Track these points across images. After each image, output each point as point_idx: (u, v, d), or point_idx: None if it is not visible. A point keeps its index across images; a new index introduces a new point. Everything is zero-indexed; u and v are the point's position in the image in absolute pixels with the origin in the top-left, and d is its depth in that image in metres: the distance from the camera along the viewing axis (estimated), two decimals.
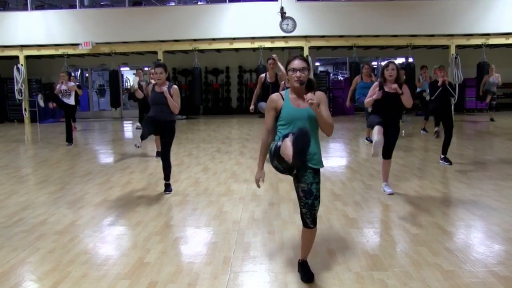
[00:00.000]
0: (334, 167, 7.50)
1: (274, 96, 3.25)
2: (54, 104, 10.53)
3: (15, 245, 3.99)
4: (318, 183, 3.13)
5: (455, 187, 5.85)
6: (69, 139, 10.17)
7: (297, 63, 3.12)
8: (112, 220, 4.77)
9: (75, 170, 7.46)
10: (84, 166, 7.77)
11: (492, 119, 13.28)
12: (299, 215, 4.65)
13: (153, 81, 5.97)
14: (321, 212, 4.78)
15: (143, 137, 5.47)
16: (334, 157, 8.61)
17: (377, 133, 5.15)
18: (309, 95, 2.99)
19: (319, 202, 3.15)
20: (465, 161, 7.41)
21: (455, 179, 6.28)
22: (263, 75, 7.93)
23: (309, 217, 3.13)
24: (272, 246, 3.88)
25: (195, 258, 3.67)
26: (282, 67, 7.85)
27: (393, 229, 4.34)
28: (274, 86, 7.77)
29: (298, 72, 3.10)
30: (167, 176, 5.82)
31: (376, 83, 5.39)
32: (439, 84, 7.04)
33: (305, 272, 3.25)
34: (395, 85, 5.14)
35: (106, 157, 9.13)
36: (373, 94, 5.31)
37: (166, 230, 4.37)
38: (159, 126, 5.63)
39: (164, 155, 5.72)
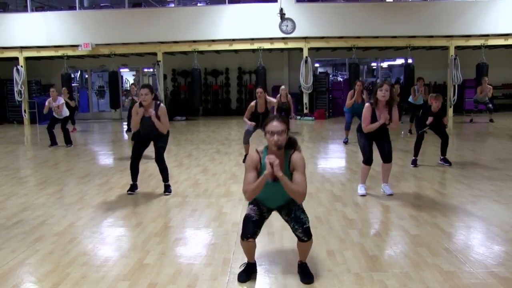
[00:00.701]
0: (333, 168, 7.50)
1: (254, 156, 3.13)
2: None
3: (14, 246, 3.99)
4: (299, 209, 3.19)
5: (454, 188, 5.85)
6: (68, 142, 10.16)
7: (275, 126, 2.99)
8: (111, 221, 4.76)
9: (74, 171, 7.46)
10: (83, 167, 7.76)
11: (491, 120, 13.32)
12: None
13: (136, 98, 5.92)
14: (320, 213, 4.80)
15: (135, 161, 5.74)
16: (333, 158, 8.62)
17: (360, 189, 5.52)
18: (271, 157, 2.89)
19: (307, 217, 3.16)
20: (464, 162, 7.41)
21: (454, 180, 6.28)
22: (253, 103, 7.73)
23: (302, 233, 3.11)
24: (271, 248, 3.88)
25: (194, 259, 3.67)
26: (270, 99, 7.80)
27: (393, 230, 4.34)
28: (264, 116, 7.64)
29: (275, 135, 2.98)
30: (165, 178, 5.83)
31: (368, 105, 5.29)
32: (433, 109, 7.00)
33: (304, 274, 3.25)
34: (386, 117, 5.14)
35: (106, 158, 9.13)
36: (368, 119, 5.23)
37: (166, 231, 4.37)
38: (151, 137, 5.67)
39: (158, 159, 5.74)
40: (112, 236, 4.31)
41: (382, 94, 5.13)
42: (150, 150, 7.24)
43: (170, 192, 5.77)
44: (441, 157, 7.23)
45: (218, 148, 9.50)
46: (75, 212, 5.06)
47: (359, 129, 5.46)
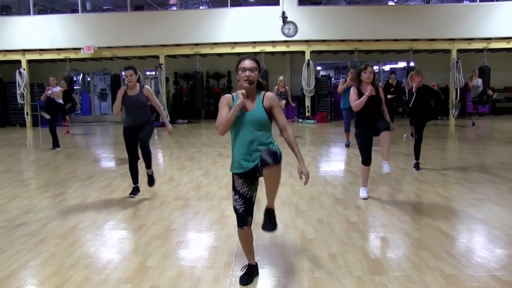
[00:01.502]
0: (335, 171, 7.50)
1: (227, 96, 3.19)
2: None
3: (17, 249, 4.00)
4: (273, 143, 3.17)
5: (456, 191, 5.84)
6: (56, 144, 10.22)
7: (247, 63, 3.07)
8: (113, 224, 4.77)
9: (76, 174, 7.47)
10: (85, 170, 7.78)
11: (473, 123, 13.34)
12: (300, 219, 4.68)
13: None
14: (322, 216, 4.80)
15: (134, 162, 5.76)
16: (335, 161, 8.61)
17: (362, 192, 5.52)
18: (242, 91, 3.01)
19: (278, 147, 3.07)
20: (466, 165, 7.40)
21: (456, 183, 6.28)
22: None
23: (266, 154, 2.86)
24: (273, 251, 3.88)
25: (196, 262, 3.67)
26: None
27: (395, 233, 4.33)
28: None
29: (247, 71, 3.05)
30: (148, 164, 5.73)
31: (353, 88, 5.41)
32: (413, 90, 7.02)
33: (269, 219, 3.14)
34: (372, 89, 5.21)
35: (108, 161, 9.14)
36: (355, 98, 5.33)
37: (168, 234, 4.37)
38: (140, 128, 5.60)
39: (143, 141, 5.57)
40: (114, 238, 4.32)
41: (367, 76, 5.29)
42: (152, 153, 7.24)
43: (153, 182, 5.78)
44: (415, 162, 7.15)
45: (220, 151, 9.51)
46: (77, 214, 5.07)
47: (357, 125, 5.46)
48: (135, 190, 5.85)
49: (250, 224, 3.19)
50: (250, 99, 3.10)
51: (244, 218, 3.16)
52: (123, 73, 5.66)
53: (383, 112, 5.41)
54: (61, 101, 10.67)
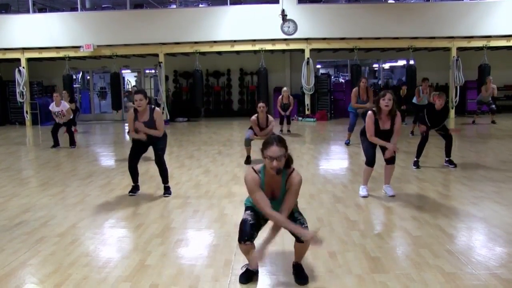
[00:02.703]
0: (335, 170, 7.49)
1: (254, 176, 3.12)
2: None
3: (16, 248, 3.99)
4: (296, 211, 3.22)
5: (456, 189, 5.84)
6: (72, 143, 10.19)
7: (273, 151, 2.96)
8: (113, 222, 4.77)
9: (76, 172, 7.46)
10: (85, 168, 7.77)
11: (493, 121, 13.30)
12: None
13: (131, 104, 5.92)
14: (322, 214, 4.79)
15: (133, 163, 5.73)
16: (335, 160, 8.61)
17: (362, 191, 5.54)
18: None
19: (304, 219, 3.19)
20: (466, 163, 7.40)
21: (456, 181, 6.27)
22: (254, 117, 7.79)
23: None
24: (273, 249, 3.87)
25: (196, 261, 3.67)
26: (271, 118, 7.83)
27: (394, 231, 4.33)
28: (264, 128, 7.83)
29: (275, 161, 2.97)
30: (165, 180, 5.83)
31: (370, 114, 5.28)
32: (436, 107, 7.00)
33: (299, 275, 3.25)
34: (392, 149, 5.24)
35: (108, 160, 9.14)
36: (372, 128, 5.26)
37: (167, 233, 4.37)
38: (149, 143, 5.66)
39: (158, 161, 5.73)
40: (113, 237, 4.32)
41: (385, 103, 5.12)
42: (151, 151, 7.24)
43: (169, 193, 5.77)
44: (446, 159, 7.20)
45: (220, 149, 9.50)
46: (77, 213, 5.06)
47: (363, 133, 5.46)
48: (135, 189, 5.85)
49: (253, 240, 3.15)
50: (276, 185, 3.13)
51: (251, 232, 3.12)
52: (134, 97, 5.56)
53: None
54: (71, 115, 10.30)
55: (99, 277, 3.38)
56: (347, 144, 9.64)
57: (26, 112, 16.05)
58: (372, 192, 5.64)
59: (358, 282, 3.22)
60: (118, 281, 3.30)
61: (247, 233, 3.10)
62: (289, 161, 3.13)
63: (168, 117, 15.77)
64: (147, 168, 7.39)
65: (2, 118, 16.67)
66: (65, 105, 10.11)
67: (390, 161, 5.43)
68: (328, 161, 8.39)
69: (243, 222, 3.16)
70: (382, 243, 4.02)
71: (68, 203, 5.49)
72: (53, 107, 10.10)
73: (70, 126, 10.33)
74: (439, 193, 5.62)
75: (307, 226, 3.14)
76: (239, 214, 4.86)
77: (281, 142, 3.02)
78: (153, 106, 5.63)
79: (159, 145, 5.69)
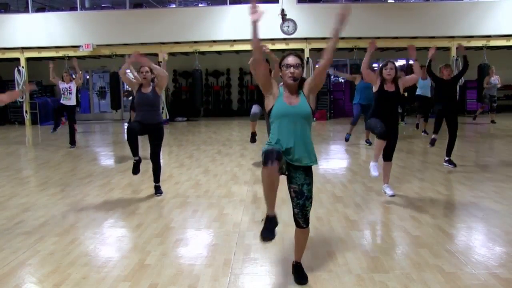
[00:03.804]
0: (335, 169, 7.49)
1: (275, 82, 3.20)
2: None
3: (16, 247, 3.99)
4: (309, 183, 3.09)
5: (456, 189, 5.84)
6: (72, 142, 10.16)
7: (291, 60, 3.07)
8: (112, 222, 4.76)
9: (75, 172, 7.46)
10: (84, 168, 7.77)
11: (493, 121, 13.30)
12: None
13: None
14: (321, 214, 4.79)
15: (133, 132, 5.43)
16: (335, 159, 8.61)
17: (374, 170, 5.43)
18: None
19: (311, 203, 3.11)
20: (466, 163, 7.40)
21: (456, 181, 6.27)
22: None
23: (301, 217, 3.12)
24: (272, 249, 3.87)
25: (195, 260, 3.66)
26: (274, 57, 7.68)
27: (394, 231, 4.33)
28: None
29: (292, 68, 3.06)
30: (157, 178, 5.79)
31: (378, 76, 5.39)
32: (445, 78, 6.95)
33: (299, 274, 3.25)
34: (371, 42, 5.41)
35: (107, 159, 9.13)
36: (376, 79, 5.37)
37: (167, 232, 4.36)
38: (147, 129, 5.56)
39: (153, 157, 5.68)
40: (113, 237, 4.31)
41: (387, 72, 5.23)
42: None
43: (161, 193, 5.74)
44: (446, 158, 7.15)
45: (219, 149, 9.50)
46: (76, 213, 5.06)
47: (373, 114, 5.40)
48: (137, 164, 5.65)
49: (280, 161, 2.81)
50: (294, 95, 3.11)
51: (277, 155, 2.77)
52: (140, 69, 5.57)
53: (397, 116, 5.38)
54: (74, 101, 10.14)
55: (98, 276, 3.37)
56: (347, 139, 9.58)
57: (26, 112, 16.04)
58: (371, 191, 5.64)
59: (358, 281, 3.22)
60: (117, 280, 3.30)
61: (275, 156, 2.76)
62: (304, 81, 3.18)
63: (168, 117, 15.76)
64: (147, 168, 7.38)
65: (1, 117, 16.65)
66: (73, 83, 10.10)
67: (388, 157, 5.39)
68: (328, 161, 8.39)
69: (268, 150, 2.81)
70: (381, 242, 4.03)
71: (67, 203, 5.49)
72: (62, 83, 10.06)
73: (73, 113, 10.18)
74: (439, 193, 5.62)
75: (309, 216, 3.13)
76: (238, 213, 4.87)
77: (298, 55, 3.15)
78: (156, 82, 5.62)
79: (156, 139, 5.61)
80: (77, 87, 10.30)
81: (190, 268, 3.50)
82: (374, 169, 5.45)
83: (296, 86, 3.12)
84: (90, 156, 9.28)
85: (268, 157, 2.76)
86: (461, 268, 3.39)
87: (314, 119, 15.17)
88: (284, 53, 3.20)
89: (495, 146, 9.40)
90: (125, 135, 5.65)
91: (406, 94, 12.14)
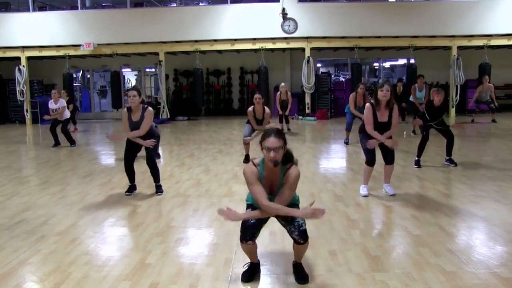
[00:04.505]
0: (335, 169, 7.49)
1: (253, 169, 3.11)
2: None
3: (16, 246, 3.99)
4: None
5: (456, 188, 5.84)
6: (71, 142, 10.18)
7: (271, 142, 2.96)
8: (113, 221, 4.76)
9: (76, 171, 7.46)
10: (85, 167, 7.77)
11: (494, 120, 13.30)
12: None
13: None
14: None
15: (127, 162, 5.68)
16: (335, 158, 8.61)
17: (363, 190, 5.52)
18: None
19: (303, 220, 3.10)
20: (467, 162, 7.40)
21: (456, 180, 6.27)
22: (251, 109, 7.69)
23: (298, 236, 3.07)
24: (273, 248, 3.88)
25: (196, 259, 3.67)
26: (267, 110, 7.68)
27: (395, 230, 4.33)
28: (261, 121, 7.69)
29: (272, 152, 2.96)
30: (156, 179, 5.83)
31: (368, 106, 5.29)
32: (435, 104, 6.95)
33: (299, 274, 3.24)
34: (391, 145, 5.25)
35: (108, 158, 9.14)
36: (371, 120, 5.24)
37: (167, 231, 4.37)
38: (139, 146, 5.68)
39: (149, 162, 5.73)
40: (114, 236, 4.32)
41: (383, 94, 5.13)
42: None
43: (161, 192, 5.77)
44: (447, 158, 7.18)
45: (220, 148, 9.50)
46: (77, 211, 5.06)
47: (361, 130, 5.46)
48: (131, 188, 5.82)
49: (255, 239, 3.15)
50: (275, 176, 3.10)
51: (252, 231, 3.11)
52: (127, 93, 5.62)
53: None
54: (66, 115, 10.40)
55: (99, 275, 3.38)
56: (346, 143, 9.64)
57: (26, 111, 16.04)
58: (372, 191, 5.64)
59: (359, 281, 3.22)
60: (118, 279, 3.30)
61: (248, 234, 3.10)
62: (288, 157, 3.12)
63: (169, 116, 15.76)
64: (146, 168, 7.39)
65: (2, 116, 16.66)
66: (63, 103, 10.33)
67: (389, 161, 5.43)
68: (329, 160, 8.38)
69: (245, 222, 3.15)
70: (382, 242, 4.02)
71: (68, 202, 5.49)
72: (51, 104, 10.29)
73: (65, 125, 10.31)
74: (440, 192, 5.62)
75: (305, 229, 3.07)
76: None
77: (280, 134, 3.02)
78: (146, 106, 5.63)
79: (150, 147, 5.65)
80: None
81: (191, 267, 3.50)
82: (363, 190, 5.55)
83: (279, 167, 3.08)
84: (90, 155, 9.28)
85: (244, 235, 3.09)
86: (462, 268, 3.39)
87: (315, 118, 15.18)
88: (266, 129, 3.09)
89: (495, 145, 9.39)
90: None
91: (404, 105, 12.15)
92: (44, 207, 5.25)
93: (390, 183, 5.60)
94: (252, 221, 3.13)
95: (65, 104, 10.41)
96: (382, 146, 5.38)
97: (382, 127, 5.26)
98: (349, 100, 9.45)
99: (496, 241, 3.96)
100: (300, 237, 3.06)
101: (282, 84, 12.10)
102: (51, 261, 3.65)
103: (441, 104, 6.97)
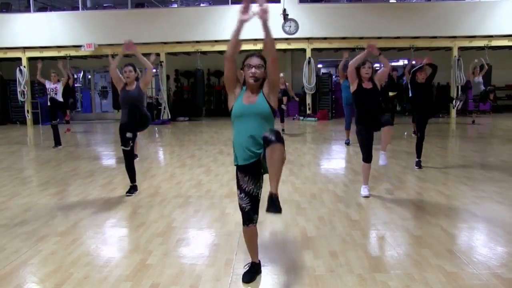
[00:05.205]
0: (336, 169, 7.49)
1: (239, 84, 3.26)
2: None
3: (17, 247, 3.99)
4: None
5: (457, 189, 5.84)
6: (57, 142, 10.16)
7: (253, 61, 3.13)
8: (114, 222, 4.77)
9: (77, 171, 7.47)
10: (86, 167, 7.77)
11: (473, 121, 13.30)
12: (301, 217, 4.67)
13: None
14: (323, 214, 4.79)
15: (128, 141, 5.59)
16: (336, 159, 8.60)
17: (363, 191, 5.50)
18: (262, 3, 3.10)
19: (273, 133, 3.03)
20: (467, 163, 7.39)
21: (457, 181, 6.26)
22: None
23: (270, 134, 2.88)
24: (274, 248, 3.88)
25: (197, 260, 3.67)
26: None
27: (396, 231, 4.33)
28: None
29: (253, 68, 3.10)
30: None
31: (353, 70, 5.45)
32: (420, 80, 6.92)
33: (272, 204, 2.96)
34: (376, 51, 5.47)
35: (109, 159, 9.14)
36: (353, 78, 5.38)
37: (168, 232, 4.37)
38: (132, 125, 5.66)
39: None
40: (114, 236, 4.32)
41: (366, 71, 5.30)
42: (153, 151, 7.29)
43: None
44: (416, 160, 7.08)
45: (221, 148, 9.50)
46: (78, 212, 5.06)
47: (357, 121, 5.43)
48: (132, 189, 5.82)
49: (256, 222, 3.19)
50: (254, 94, 3.15)
51: (250, 216, 3.17)
52: (124, 69, 5.72)
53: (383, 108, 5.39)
54: (61, 98, 10.55)
55: (100, 276, 3.38)
56: (347, 144, 9.62)
57: (27, 111, 16.07)
58: (373, 191, 5.63)
59: (359, 281, 3.22)
60: (119, 280, 3.30)
61: (245, 219, 3.17)
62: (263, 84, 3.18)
63: (169, 117, 15.77)
64: (148, 168, 7.41)
65: (3, 117, 16.69)
66: (60, 84, 10.58)
67: (386, 121, 5.33)
68: (329, 161, 8.38)
69: (241, 209, 3.21)
70: (383, 242, 4.02)
71: (69, 203, 5.49)
72: (49, 83, 10.50)
73: (56, 123, 10.29)
74: (440, 193, 5.61)
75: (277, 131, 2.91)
76: (240, 213, 4.85)
77: (261, 56, 3.18)
78: (139, 78, 5.78)
79: (132, 125, 5.58)
80: (64, 87, 10.76)
81: (192, 268, 3.50)
82: (364, 190, 5.54)
83: (257, 86, 3.15)
84: (91, 156, 9.29)
85: (244, 219, 3.17)
86: (463, 268, 3.38)
87: (316, 119, 15.18)
88: (248, 53, 3.24)
89: (496, 146, 9.39)
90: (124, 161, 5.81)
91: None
92: (45, 208, 5.25)
93: (391, 183, 5.58)
94: (246, 209, 3.17)
95: (61, 87, 10.58)
96: (375, 118, 5.30)
97: (368, 94, 5.30)
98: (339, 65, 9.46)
99: (497, 242, 3.95)
100: (271, 133, 2.85)
101: (281, 74, 11.95)
102: (52, 262, 3.65)
103: (426, 81, 6.92)
